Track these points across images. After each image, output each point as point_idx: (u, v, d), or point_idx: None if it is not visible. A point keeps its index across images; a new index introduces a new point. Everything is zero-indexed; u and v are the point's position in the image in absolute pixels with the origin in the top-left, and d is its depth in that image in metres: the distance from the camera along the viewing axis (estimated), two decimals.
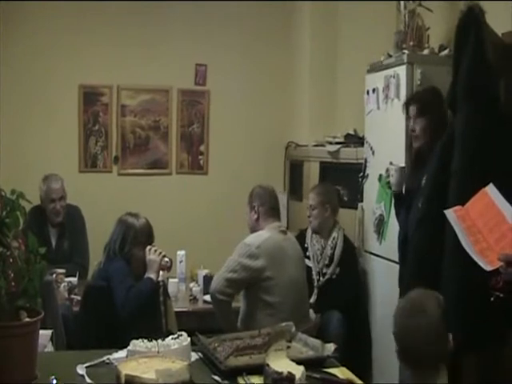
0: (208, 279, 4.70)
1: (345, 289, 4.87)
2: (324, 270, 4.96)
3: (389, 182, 4.28)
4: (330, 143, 5.80)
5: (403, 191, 4.17)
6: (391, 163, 4.32)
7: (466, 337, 3.09)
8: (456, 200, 3.36)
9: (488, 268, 2.20)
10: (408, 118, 4.11)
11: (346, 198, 5.43)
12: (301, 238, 5.03)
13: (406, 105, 4.12)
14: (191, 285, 5.01)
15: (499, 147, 3.38)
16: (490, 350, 3.27)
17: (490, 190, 2.49)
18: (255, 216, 4.22)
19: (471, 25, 3.41)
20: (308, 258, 4.93)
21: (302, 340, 2.86)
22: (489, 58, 3.43)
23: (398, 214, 4.24)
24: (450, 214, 2.52)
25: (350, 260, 5.02)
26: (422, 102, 4.01)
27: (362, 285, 4.99)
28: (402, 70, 4.41)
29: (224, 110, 6.51)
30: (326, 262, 4.97)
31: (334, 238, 5.04)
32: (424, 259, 3.59)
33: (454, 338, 2.61)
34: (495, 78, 3.54)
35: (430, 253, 3.54)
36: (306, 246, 5.03)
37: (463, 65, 3.41)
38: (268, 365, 2.38)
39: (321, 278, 4.94)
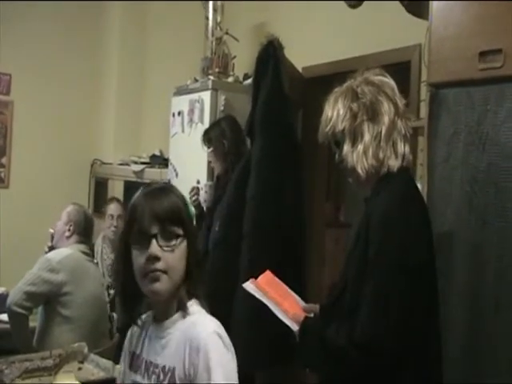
0: (3, 297, 4.52)
1: None
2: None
3: (195, 200, 4.26)
4: (135, 163, 5.84)
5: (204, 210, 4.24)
6: (198, 182, 4.37)
7: (253, 359, 3.23)
8: (251, 225, 3.53)
9: (295, 328, 2.16)
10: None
11: None
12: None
13: (203, 137, 4.18)
14: None
15: (292, 174, 3.58)
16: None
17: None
18: (67, 234, 4.13)
19: (270, 58, 3.59)
20: None
21: (94, 361, 2.85)
22: (285, 90, 3.63)
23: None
24: (249, 285, 2.35)
25: None
26: (212, 133, 4.10)
27: None
28: (206, 96, 4.52)
29: (29, 123, 6.31)
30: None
31: None
32: (219, 279, 3.71)
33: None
34: (291, 110, 3.75)
35: (225, 273, 3.67)
36: (95, 261, 4.96)
37: (261, 96, 3.57)
38: None
39: (111, 292, 4.89)
